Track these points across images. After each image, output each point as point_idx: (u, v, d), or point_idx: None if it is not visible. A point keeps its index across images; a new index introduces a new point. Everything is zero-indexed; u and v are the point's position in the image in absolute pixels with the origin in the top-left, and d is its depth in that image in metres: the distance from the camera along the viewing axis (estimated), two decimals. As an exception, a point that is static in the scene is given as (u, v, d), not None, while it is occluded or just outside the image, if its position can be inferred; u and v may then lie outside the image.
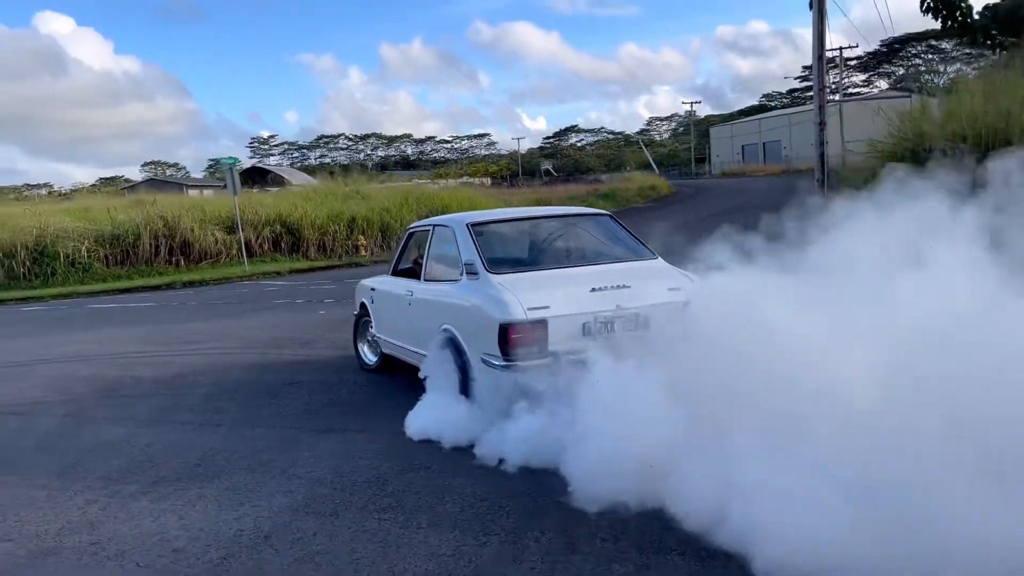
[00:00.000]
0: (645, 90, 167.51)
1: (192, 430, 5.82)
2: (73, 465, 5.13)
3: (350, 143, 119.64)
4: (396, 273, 6.89)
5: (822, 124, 18.88)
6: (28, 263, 20.19)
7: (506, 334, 4.76)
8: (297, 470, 4.79)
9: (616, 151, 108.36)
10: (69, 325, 12.91)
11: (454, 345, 5.32)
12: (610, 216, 6.36)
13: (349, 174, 33.65)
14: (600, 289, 5.05)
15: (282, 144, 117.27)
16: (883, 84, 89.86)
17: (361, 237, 24.55)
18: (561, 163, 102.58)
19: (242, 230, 21.79)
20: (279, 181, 63.04)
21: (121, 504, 4.37)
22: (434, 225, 6.30)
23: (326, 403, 6.34)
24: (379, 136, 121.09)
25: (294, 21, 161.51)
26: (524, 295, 4.90)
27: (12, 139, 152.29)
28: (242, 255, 21.51)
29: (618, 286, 5.06)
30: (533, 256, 6.00)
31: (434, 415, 5.14)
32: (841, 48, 48.61)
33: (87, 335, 11.43)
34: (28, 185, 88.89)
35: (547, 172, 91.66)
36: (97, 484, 4.73)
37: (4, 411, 6.80)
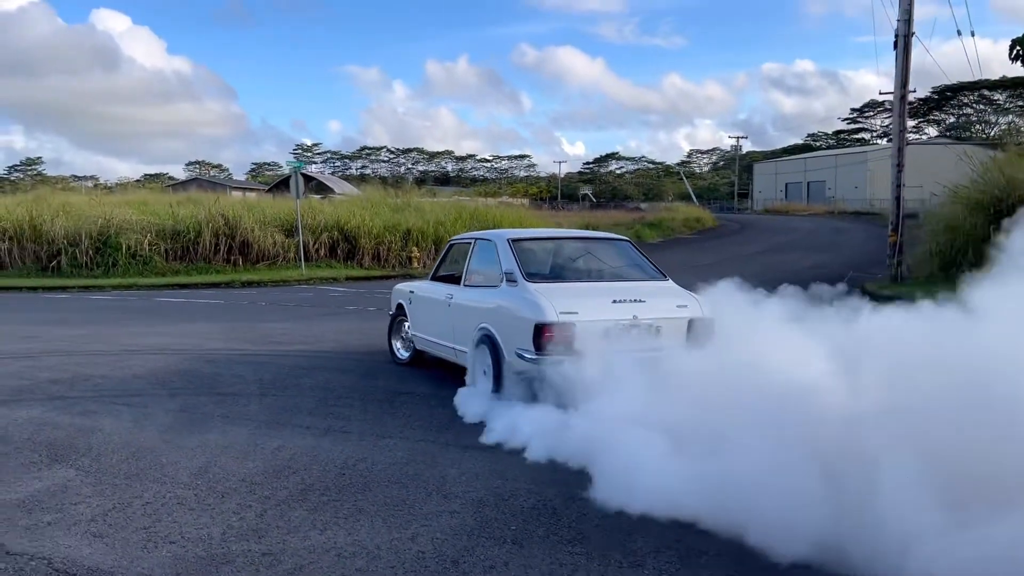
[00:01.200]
0: (686, 122, 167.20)
1: (319, 436, 5.54)
2: (208, 465, 4.87)
3: (392, 156, 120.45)
4: (436, 279, 7.75)
5: (900, 166, 18.46)
6: (91, 252, 20.26)
7: (540, 332, 5.64)
8: (451, 488, 4.48)
9: (655, 181, 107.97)
10: (145, 317, 12.79)
11: (490, 341, 6.16)
12: (629, 242, 7.38)
13: (391, 186, 33.78)
14: (620, 302, 5.95)
15: (325, 152, 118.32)
16: (932, 131, 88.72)
17: (415, 248, 24.45)
18: (599, 189, 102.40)
19: (302, 233, 21.74)
20: (323, 188, 63.45)
21: (278, 512, 4.09)
22: (476, 239, 7.21)
23: (451, 417, 6.04)
24: (420, 151, 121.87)
25: (343, 33, 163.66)
26: (556, 301, 5.79)
27: (61, 130, 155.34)
28: (299, 259, 21.44)
29: (635, 300, 6.00)
30: (563, 270, 6.92)
31: (483, 402, 5.96)
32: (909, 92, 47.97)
33: (166, 328, 11.28)
34: (75, 176, 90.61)
35: (586, 197, 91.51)
36: (242, 488, 4.46)
37: (115, 401, 6.58)
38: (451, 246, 7.91)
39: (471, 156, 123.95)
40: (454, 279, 7.36)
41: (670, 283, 6.55)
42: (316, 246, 22.88)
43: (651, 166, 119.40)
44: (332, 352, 9.03)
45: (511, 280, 6.21)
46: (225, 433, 5.58)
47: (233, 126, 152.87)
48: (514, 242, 6.57)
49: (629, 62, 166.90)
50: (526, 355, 5.70)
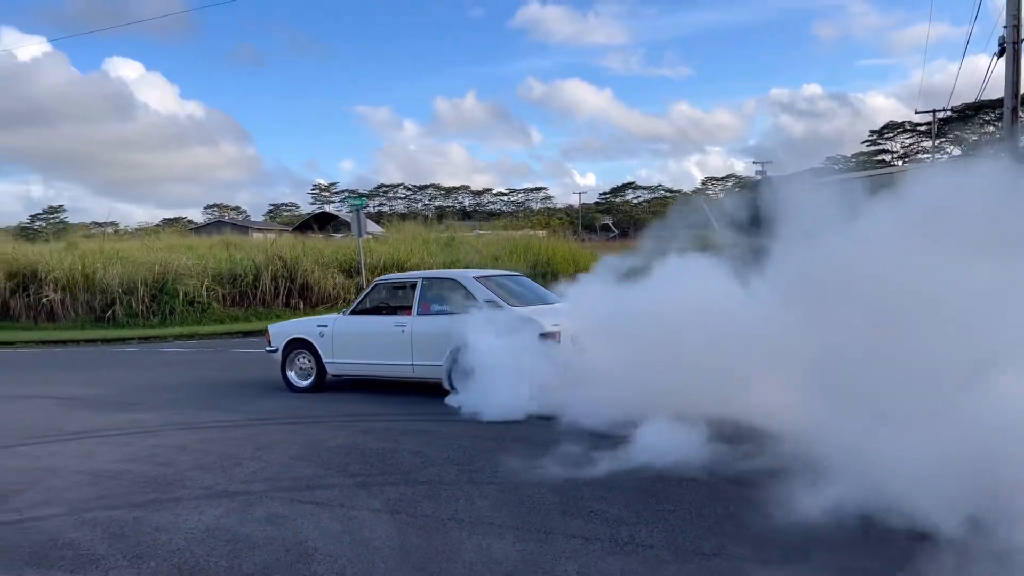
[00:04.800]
0: (696, 149, 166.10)
1: (617, 557, 4.15)
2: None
3: (409, 192, 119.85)
4: (358, 312, 9.36)
5: (1016, 183, 17.14)
6: (147, 300, 19.04)
7: (545, 339, 7.73)
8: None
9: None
10: (231, 372, 11.46)
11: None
12: (525, 275, 10.82)
13: (430, 223, 33.04)
14: (559, 317, 8.11)
15: (342, 192, 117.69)
16: (956, 151, 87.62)
17: (476, 285, 23.30)
18: (617, 219, 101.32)
19: (364, 273, 20.51)
20: (346, 227, 62.61)
21: None
22: (423, 278, 9.11)
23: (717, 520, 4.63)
24: (436, 187, 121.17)
25: (352, 73, 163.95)
26: (541, 318, 8.00)
27: (78, 177, 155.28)
28: (364, 300, 20.16)
29: (563, 316, 8.11)
30: (514, 297, 8.78)
31: (499, 401, 7.38)
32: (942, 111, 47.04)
33: (268, 386, 9.93)
34: (95, 223, 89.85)
35: (605, 227, 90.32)
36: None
37: (297, 498, 5.19)
38: (376, 286, 9.63)
39: (488, 190, 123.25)
40: (390, 311, 9.37)
41: (566, 303, 8.57)
42: (377, 286, 21.62)
43: (668, 194, 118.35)
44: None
45: (495, 306, 8.25)
46: (486, 553, 4.18)
47: (248, 168, 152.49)
48: (481, 279, 8.78)
49: (636, 92, 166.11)
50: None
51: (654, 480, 5.29)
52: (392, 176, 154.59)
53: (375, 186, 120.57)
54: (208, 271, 19.95)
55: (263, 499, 5.18)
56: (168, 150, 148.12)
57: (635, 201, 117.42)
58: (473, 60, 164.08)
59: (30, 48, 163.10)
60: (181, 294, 19.08)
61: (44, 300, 19.39)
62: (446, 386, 8.30)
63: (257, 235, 49.88)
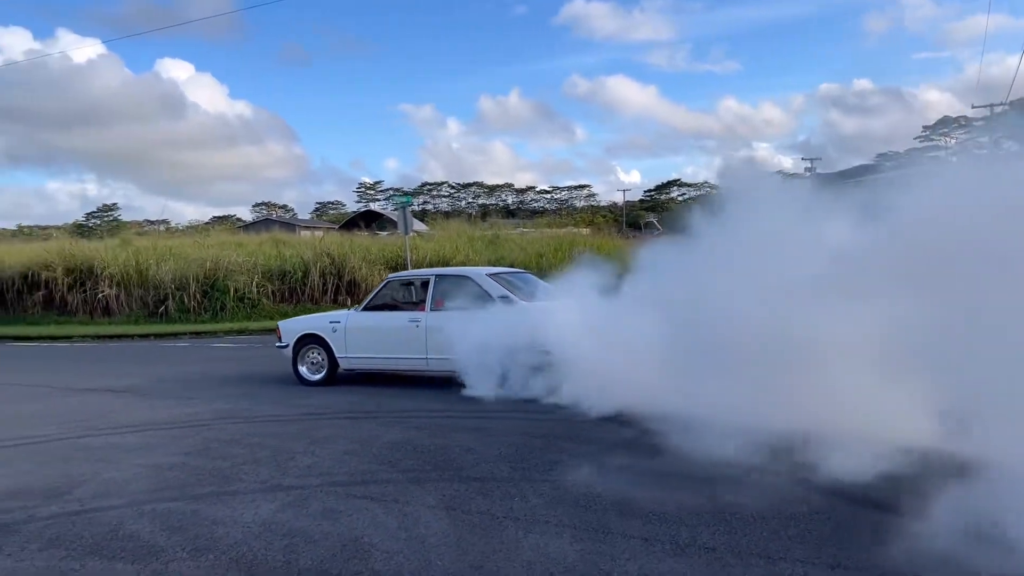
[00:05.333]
0: (744, 146, 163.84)
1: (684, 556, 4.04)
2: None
3: (453, 191, 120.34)
4: (370, 309, 9.66)
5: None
6: (199, 296, 19.38)
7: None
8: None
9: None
10: (287, 367, 11.55)
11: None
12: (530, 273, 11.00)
13: (474, 221, 33.08)
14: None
15: (387, 190, 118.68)
16: (1015, 146, 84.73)
17: (522, 282, 23.31)
18: (663, 216, 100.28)
19: (411, 269, 20.59)
20: (392, 225, 63.04)
21: None
22: (436, 275, 9.37)
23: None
24: (480, 185, 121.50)
25: (397, 73, 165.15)
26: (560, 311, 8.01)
27: (131, 176, 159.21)
28: (411, 297, 20.25)
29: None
30: (522, 292, 9.07)
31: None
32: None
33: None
34: (148, 221, 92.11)
35: (650, 225, 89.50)
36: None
37: (350, 493, 5.17)
38: (388, 283, 9.91)
39: (531, 188, 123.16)
40: (401, 307, 9.62)
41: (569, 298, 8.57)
42: (423, 283, 21.72)
43: (714, 191, 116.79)
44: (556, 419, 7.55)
45: (508, 301, 8.63)
46: (543, 551, 4.10)
47: (294, 167, 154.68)
48: (491, 276, 9.18)
49: (682, 88, 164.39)
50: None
51: (710, 481, 5.16)
52: (436, 174, 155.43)
53: (419, 184, 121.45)
54: (258, 268, 20.24)
55: (318, 494, 5.18)
56: (217, 149, 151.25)
57: (680, 199, 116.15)
58: (517, 58, 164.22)
59: (85, 50, 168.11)
60: (232, 290, 19.39)
61: (100, 295, 19.87)
62: (462, 380, 8.44)
63: (304, 233, 50.54)
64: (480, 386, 8.23)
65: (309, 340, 9.88)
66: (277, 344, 10.34)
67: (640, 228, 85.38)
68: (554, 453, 6.03)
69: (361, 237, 29.38)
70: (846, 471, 4.97)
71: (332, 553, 4.13)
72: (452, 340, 8.42)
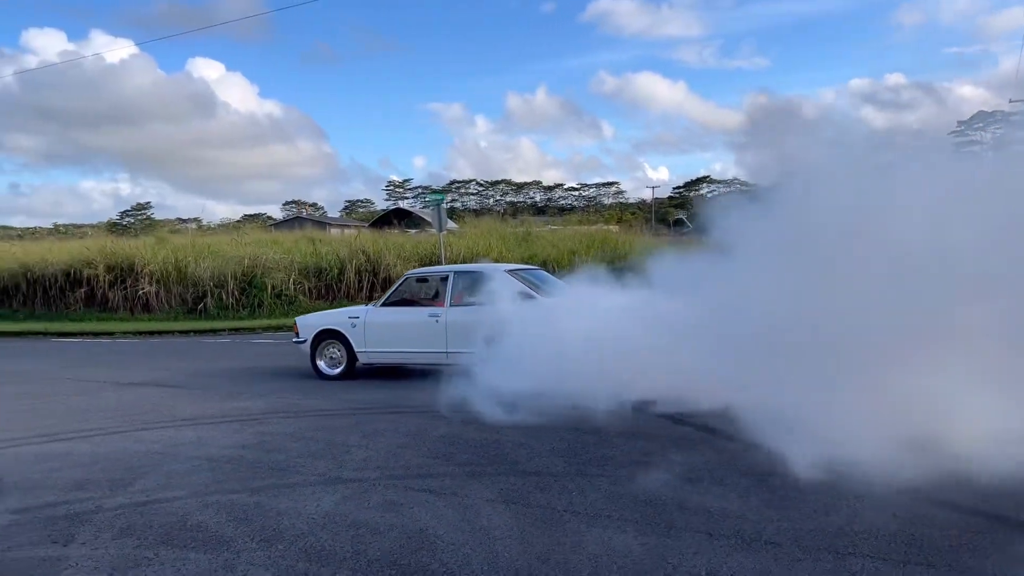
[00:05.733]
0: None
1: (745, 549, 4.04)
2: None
3: (481, 188, 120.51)
4: (389, 304, 9.81)
5: None
6: (237, 293, 19.63)
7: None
8: None
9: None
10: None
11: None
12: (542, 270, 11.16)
13: (505, 218, 33.15)
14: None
15: (416, 188, 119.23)
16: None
17: (556, 279, 23.37)
18: (691, 213, 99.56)
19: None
20: (422, 223, 63.30)
21: None
22: (454, 271, 9.63)
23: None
24: (508, 182, 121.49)
25: (425, 71, 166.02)
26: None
27: (163, 175, 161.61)
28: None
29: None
30: (538, 288, 9.31)
31: None
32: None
33: (363, 377, 10.08)
34: (180, 219, 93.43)
35: (679, 222, 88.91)
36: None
37: (410, 485, 5.22)
38: (407, 279, 10.17)
39: (559, 185, 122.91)
40: (420, 303, 9.84)
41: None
42: (457, 280, 21.81)
43: (744, 188, 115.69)
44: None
45: (529, 296, 8.89)
46: (608, 545, 4.12)
47: (324, 165, 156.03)
48: (510, 272, 9.45)
49: (711, 85, 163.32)
50: None
51: (768, 475, 5.14)
52: (464, 172, 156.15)
53: (447, 182, 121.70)
54: (295, 265, 20.46)
55: (376, 486, 5.24)
56: (248, 148, 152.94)
57: (709, 195, 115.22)
58: (544, 55, 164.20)
59: (118, 51, 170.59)
60: (269, 287, 19.63)
61: (140, 292, 20.21)
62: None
63: (334, 231, 50.95)
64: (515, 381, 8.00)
65: (327, 335, 10.06)
66: (295, 340, 10.51)
67: (669, 225, 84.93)
68: (607, 448, 6.04)
69: (393, 235, 29.57)
70: (916, 470, 4.92)
71: (399, 544, 4.18)
72: (465, 334, 8.74)
